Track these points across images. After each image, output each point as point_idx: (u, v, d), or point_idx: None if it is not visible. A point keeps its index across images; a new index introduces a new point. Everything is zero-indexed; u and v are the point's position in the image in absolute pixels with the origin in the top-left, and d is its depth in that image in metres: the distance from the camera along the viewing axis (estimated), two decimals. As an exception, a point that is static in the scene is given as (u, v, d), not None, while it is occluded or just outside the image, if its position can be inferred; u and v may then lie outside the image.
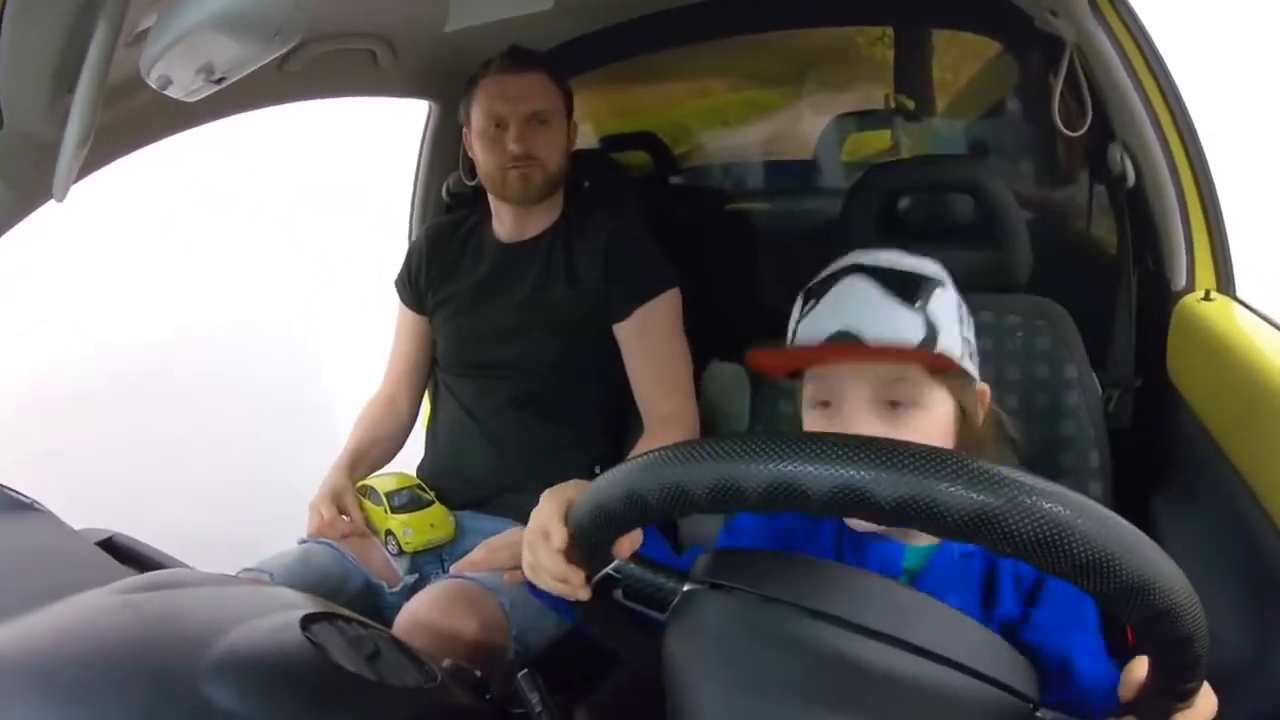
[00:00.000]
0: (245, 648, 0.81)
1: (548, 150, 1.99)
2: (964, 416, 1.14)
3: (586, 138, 2.80)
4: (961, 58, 2.45)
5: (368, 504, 1.94)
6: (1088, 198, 2.07)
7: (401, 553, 1.87)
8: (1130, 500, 1.54)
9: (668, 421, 1.92)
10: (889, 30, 2.50)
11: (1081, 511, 0.62)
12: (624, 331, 1.99)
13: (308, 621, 0.88)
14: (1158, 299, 1.79)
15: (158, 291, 4.78)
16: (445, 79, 2.33)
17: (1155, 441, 1.72)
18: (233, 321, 4.59)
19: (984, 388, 1.19)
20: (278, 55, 0.87)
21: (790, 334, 1.18)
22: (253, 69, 0.89)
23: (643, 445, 1.86)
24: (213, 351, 4.38)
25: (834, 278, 1.15)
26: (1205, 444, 1.54)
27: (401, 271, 2.20)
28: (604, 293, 1.98)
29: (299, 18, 0.83)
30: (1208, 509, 1.52)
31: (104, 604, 0.90)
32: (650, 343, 1.98)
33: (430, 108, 2.51)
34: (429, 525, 1.90)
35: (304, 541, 1.89)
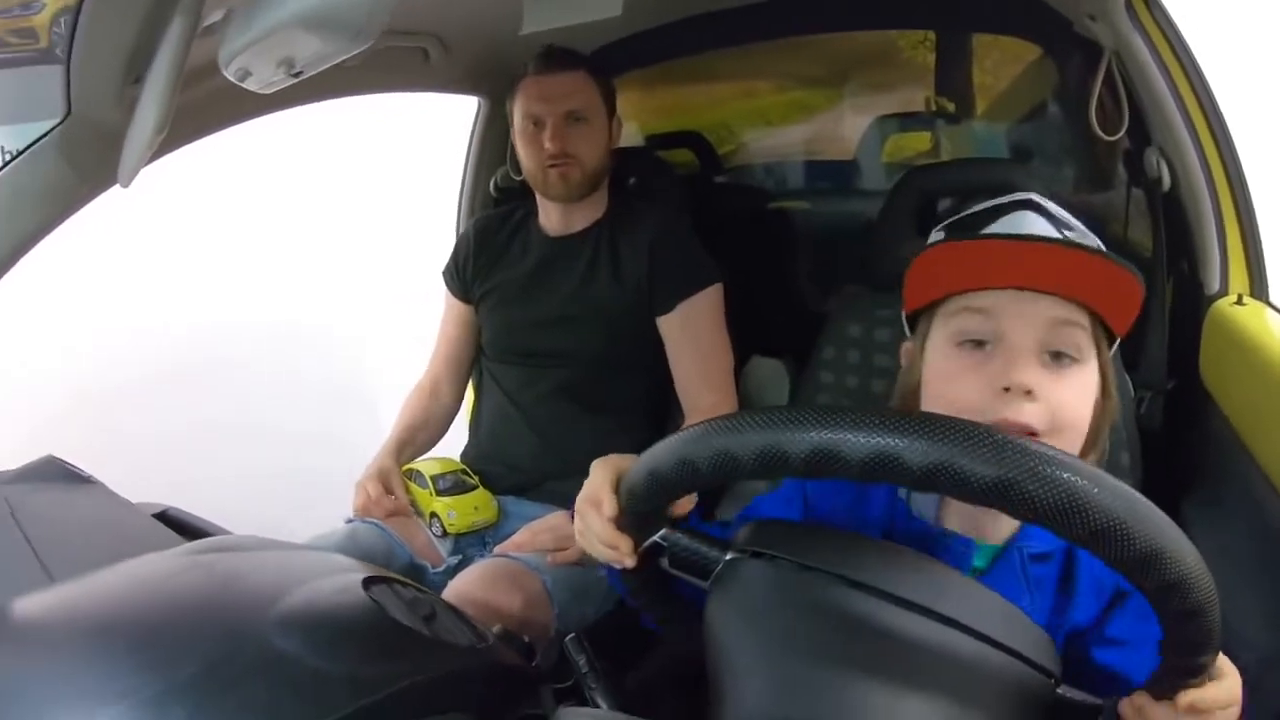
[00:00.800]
0: (310, 604, 0.87)
1: (586, 148, 2.03)
2: (1104, 395, 1.05)
3: (632, 136, 2.85)
4: (1002, 61, 2.46)
5: (413, 487, 2.00)
6: (1125, 202, 2.08)
7: (445, 535, 1.92)
8: (1160, 500, 1.54)
9: (708, 413, 1.85)
10: (930, 34, 2.53)
11: (1097, 482, 0.66)
12: (667, 325, 2.03)
13: (367, 583, 0.94)
14: (1191, 303, 1.80)
15: (208, 282, 4.84)
16: (494, 76, 2.38)
17: (1186, 443, 1.73)
18: (280, 312, 4.64)
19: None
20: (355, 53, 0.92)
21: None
22: (330, 65, 0.94)
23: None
24: (260, 342, 4.43)
25: (1000, 209, 1.06)
26: (1236, 447, 1.56)
27: (449, 262, 2.25)
28: (648, 287, 2.02)
29: (380, 17, 0.88)
30: (1237, 511, 1.53)
31: (173, 563, 0.95)
32: (692, 336, 2.01)
33: (479, 104, 2.56)
34: (473, 508, 1.96)
35: (350, 521, 1.95)
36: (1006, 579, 1.05)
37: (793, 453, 0.71)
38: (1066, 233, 1.02)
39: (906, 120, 2.73)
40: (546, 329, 2.09)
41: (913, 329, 1.12)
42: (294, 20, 0.85)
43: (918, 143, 2.70)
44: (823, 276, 2.56)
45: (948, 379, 1.02)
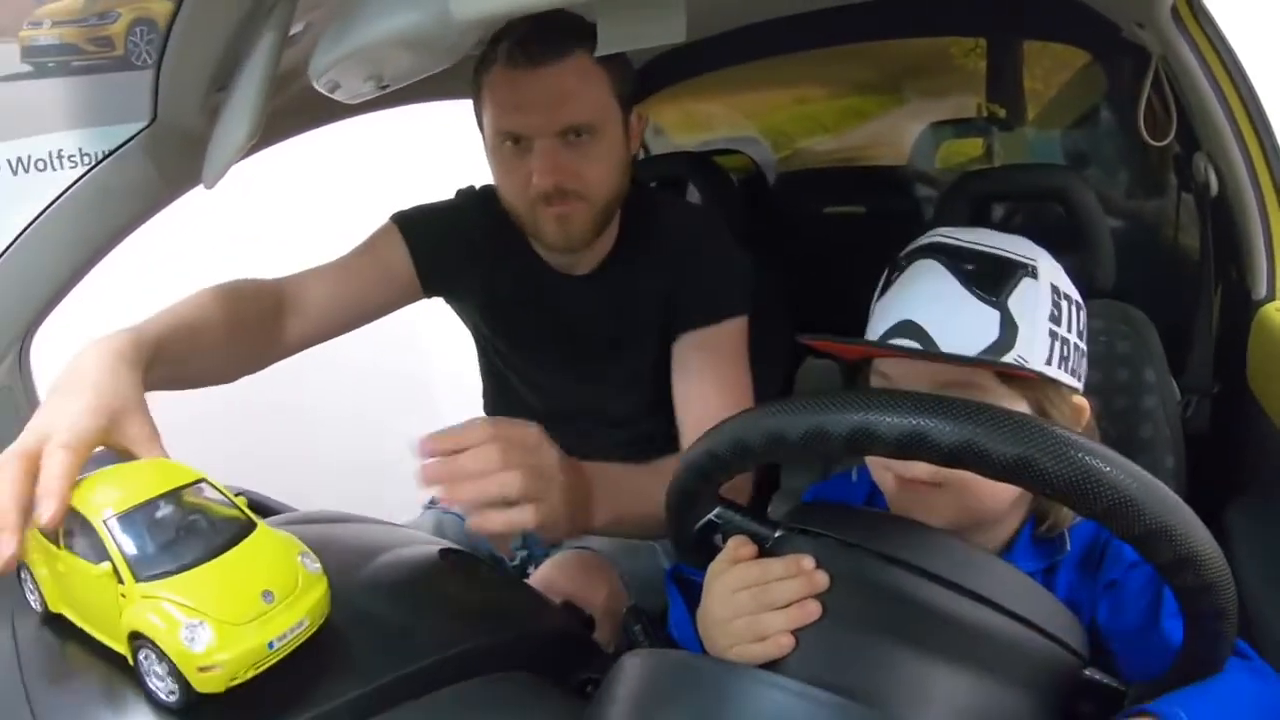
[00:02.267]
0: (393, 569, 0.94)
1: (595, 173, 1.43)
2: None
3: (689, 144, 2.90)
4: (1052, 68, 2.48)
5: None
6: (1175, 207, 2.10)
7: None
8: (1205, 504, 1.55)
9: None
10: (981, 41, 2.56)
11: (1110, 461, 0.71)
12: (678, 349, 1.59)
13: (444, 554, 1.01)
14: (1239, 308, 1.81)
15: (265, 267, 4.91)
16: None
17: (1232, 448, 1.74)
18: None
19: (1083, 402, 1.10)
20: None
21: (871, 312, 1.13)
22: (417, 79, 1.01)
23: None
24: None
25: (913, 255, 1.08)
26: (1276, 442, 1.59)
27: (425, 233, 1.61)
28: (668, 314, 1.59)
29: (470, 35, 0.94)
30: None
31: None
32: (708, 361, 1.56)
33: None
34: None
35: (430, 506, 1.87)
36: None
37: (835, 432, 0.77)
38: (970, 281, 1.03)
39: (959, 126, 2.76)
40: (594, 402, 1.68)
41: None
42: (388, 39, 0.91)
43: (971, 148, 2.73)
44: (876, 280, 2.60)
45: None
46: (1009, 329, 1.00)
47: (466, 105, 1.55)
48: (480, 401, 1.96)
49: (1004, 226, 2.14)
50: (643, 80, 2.80)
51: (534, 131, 1.38)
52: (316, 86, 1.09)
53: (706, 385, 1.51)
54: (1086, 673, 0.91)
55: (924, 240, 1.10)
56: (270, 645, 0.77)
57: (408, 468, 1.97)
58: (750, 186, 2.80)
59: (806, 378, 2.23)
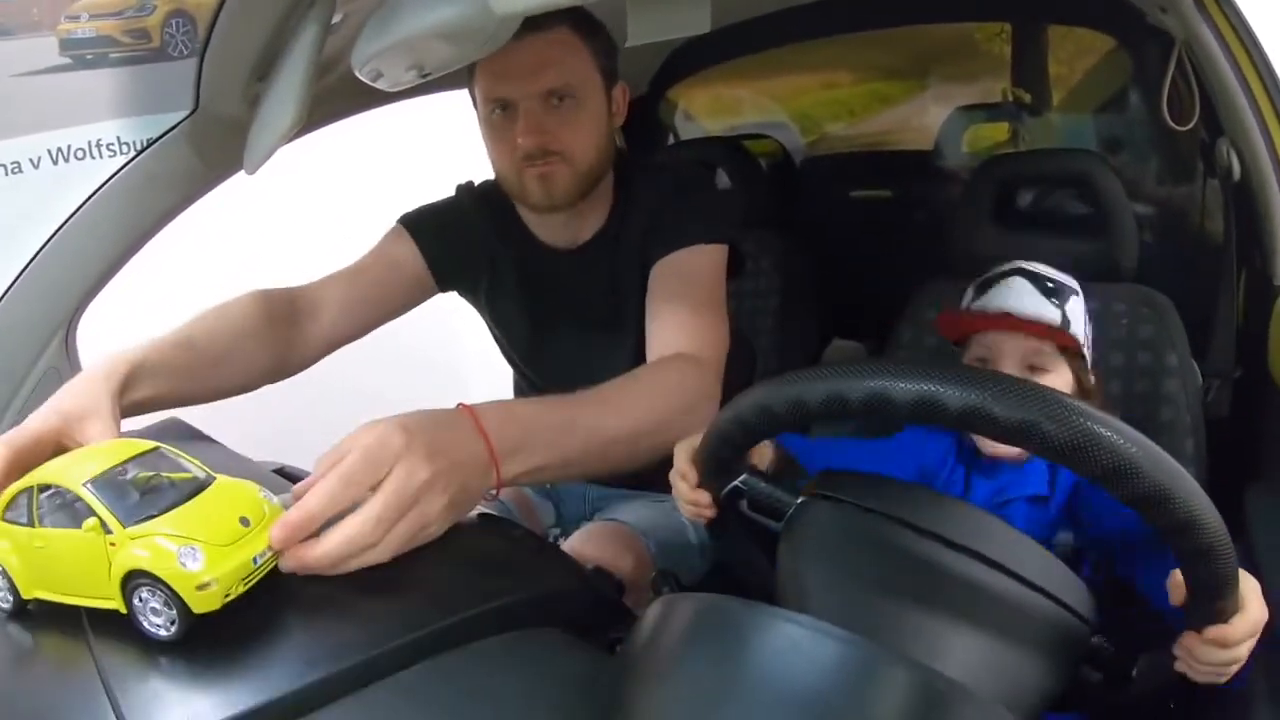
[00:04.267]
0: None
1: (576, 137, 1.51)
2: (1080, 389, 1.42)
3: (718, 128, 2.92)
4: (1076, 53, 2.49)
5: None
6: (1201, 192, 2.11)
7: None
8: (1225, 487, 1.53)
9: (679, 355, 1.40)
10: (1007, 26, 2.58)
11: (1109, 425, 0.73)
12: (653, 274, 1.55)
13: (481, 518, 1.06)
14: (1262, 292, 1.82)
15: (295, 252, 4.95)
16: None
17: (1253, 432, 1.75)
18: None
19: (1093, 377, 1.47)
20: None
21: (965, 308, 1.51)
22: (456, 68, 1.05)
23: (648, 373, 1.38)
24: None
25: (1002, 275, 1.48)
26: None
27: (436, 230, 1.69)
28: (643, 254, 1.58)
29: (508, 26, 0.98)
30: None
31: None
32: (678, 283, 1.52)
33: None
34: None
35: None
36: None
37: (852, 398, 0.80)
38: (1042, 291, 1.44)
39: (986, 111, 2.78)
40: (580, 371, 1.48)
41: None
42: (429, 31, 0.94)
43: (996, 133, 2.75)
44: (902, 264, 2.62)
45: None
46: (1065, 321, 1.43)
47: (458, 107, 1.65)
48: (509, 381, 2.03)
49: (1032, 211, 2.17)
50: (672, 66, 2.83)
51: (519, 95, 1.47)
52: (359, 75, 1.12)
53: (675, 305, 1.49)
54: (1094, 640, 0.94)
55: (1008, 266, 1.50)
56: (255, 560, 0.85)
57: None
58: (778, 171, 2.82)
59: (834, 358, 2.25)
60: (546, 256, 1.67)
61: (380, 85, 1.14)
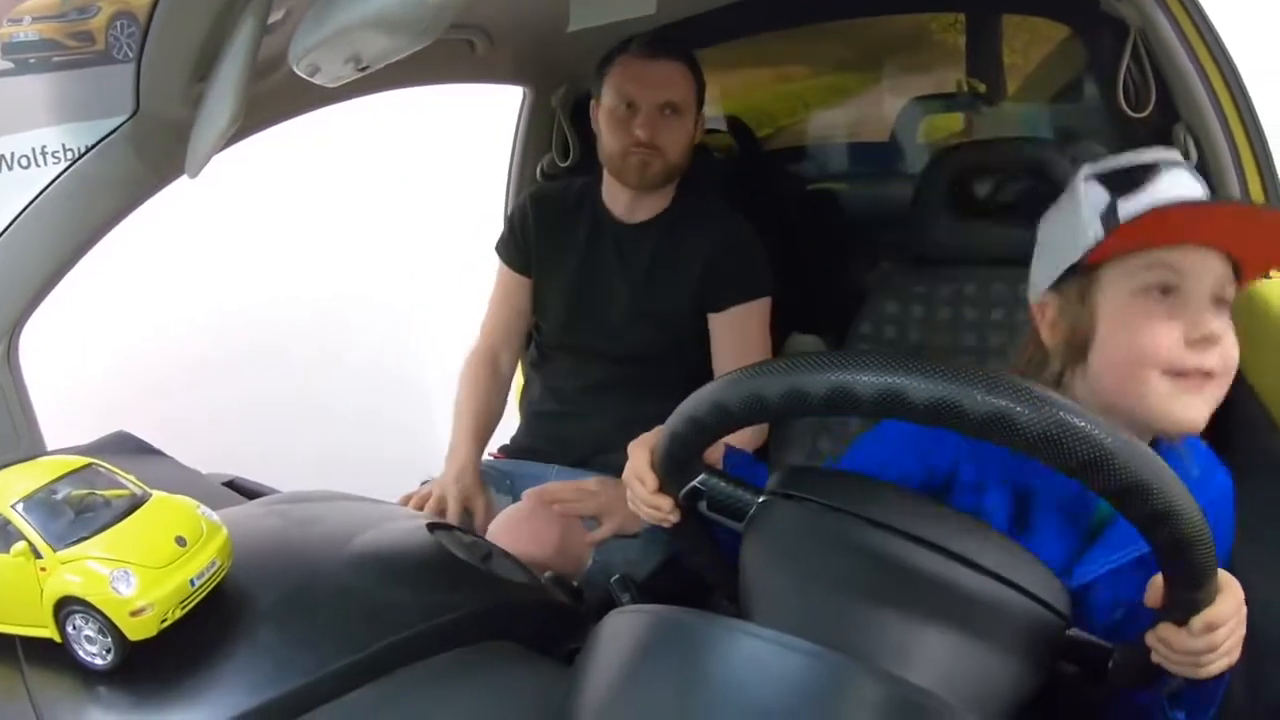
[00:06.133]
0: (379, 543, 0.95)
1: (673, 140, 1.96)
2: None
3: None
4: (1031, 42, 2.50)
5: None
6: (1157, 179, 2.11)
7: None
8: None
9: None
10: (961, 16, 2.57)
11: (1084, 417, 0.71)
12: (717, 322, 2.00)
13: (431, 528, 1.02)
14: None
15: (256, 266, 4.89)
16: (538, 67, 2.43)
17: (1217, 421, 1.75)
18: (327, 293, 4.68)
19: None
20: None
21: (1100, 218, 1.13)
22: (396, 59, 1.02)
23: None
24: (309, 324, 4.47)
25: (1152, 168, 1.12)
26: (1263, 420, 1.58)
27: (505, 234, 2.18)
28: (702, 290, 1.99)
29: (445, 15, 0.95)
30: (1266, 483, 1.53)
31: (251, 511, 1.04)
32: (739, 338, 1.98)
33: (524, 93, 2.62)
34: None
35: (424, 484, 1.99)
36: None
37: (813, 393, 0.77)
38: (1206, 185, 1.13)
39: (941, 101, 2.77)
40: (604, 325, 2.06)
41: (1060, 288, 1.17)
42: (365, 20, 0.91)
43: (951, 123, 2.74)
44: (860, 255, 2.62)
45: (1137, 328, 1.08)
46: None
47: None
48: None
49: (992, 201, 2.16)
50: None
51: (643, 99, 1.93)
52: (296, 70, 1.09)
53: (737, 355, 1.91)
54: (1070, 633, 0.92)
55: (1151, 156, 1.13)
56: (192, 583, 0.81)
57: (397, 457, 2.01)
58: (734, 166, 2.81)
59: (792, 351, 2.23)
60: (611, 222, 2.08)
61: (319, 80, 1.10)
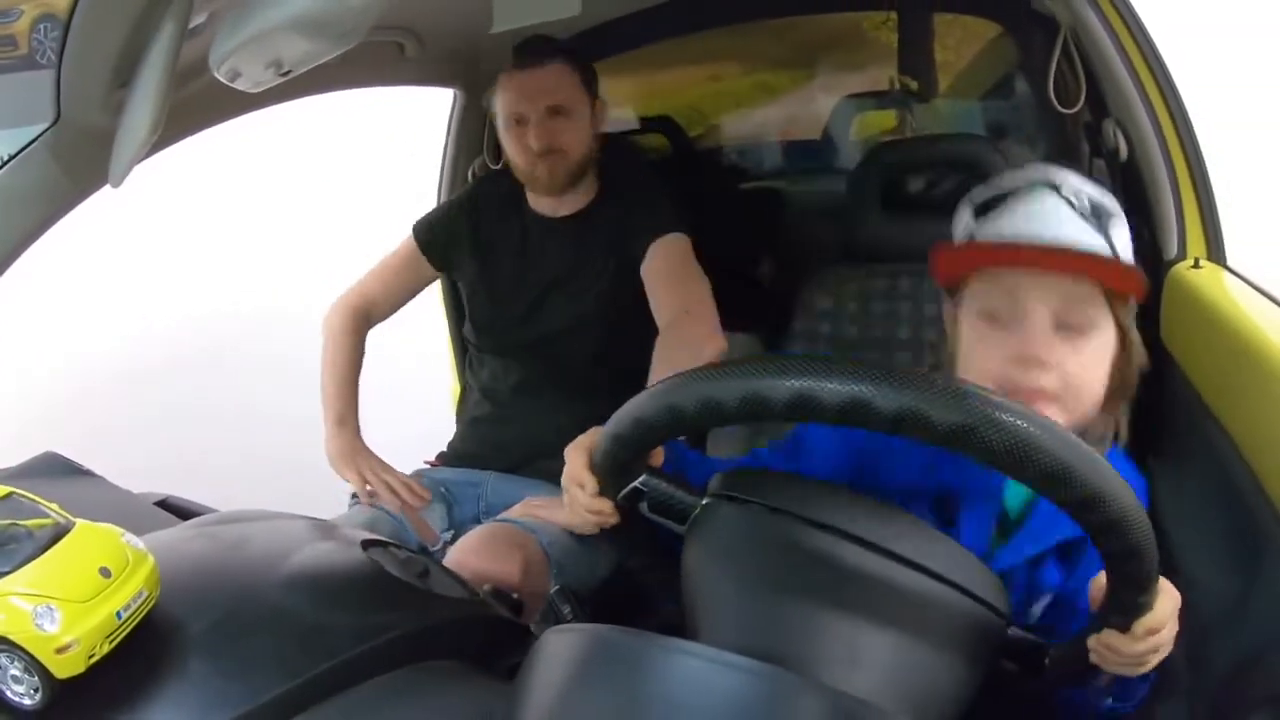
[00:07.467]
0: (313, 563, 0.92)
1: (570, 139, 2.01)
2: (1124, 349, 1.17)
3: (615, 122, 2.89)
4: (963, 39, 2.52)
5: None
6: (1088, 172, 2.13)
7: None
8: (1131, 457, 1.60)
9: (683, 331, 1.84)
10: (893, 14, 2.57)
11: (1046, 429, 0.71)
12: (646, 271, 2.00)
13: (365, 545, 1.00)
14: (1151, 267, 1.82)
15: (195, 273, 4.80)
16: (468, 68, 2.41)
17: (1150, 403, 1.78)
18: (267, 300, 4.62)
19: None
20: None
21: (962, 239, 1.20)
22: (317, 63, 0.99)
23: (665, 336, 1.84)
24: (257, 332, 4.42)
25: (1018, 191, 1.16)
26: (1196, 405, 1.60)
27: (429, 225, 2.22)
28: (623, 239, 2.02)
29: (367, 18, 0.92)
30: (1200, 466, 1.56)
31: (180, 535, 1.00)
32: (670, 267, 1.98)
33: (455, 95, 2.59)
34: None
35: (355, 501, 2.00)
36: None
37: (774, 398, 0.75)
38: (1081, 213, 1.13)
39: (874, 99, 2.79)
40: (535, 322, 2.09)
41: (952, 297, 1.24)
42: (284, 23, 0.89)
43: (884, 120, 2.76)
44: (795, 253, 2.62)
45: (973, 345, 1.16)
46: (1114, 253, 1.14)
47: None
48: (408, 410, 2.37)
49: (925, 197, 2.17)
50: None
51: (530, 110, 1.98)
52: (217, 75, 1.06)
53: (675, 287, 1.95)
54: (1010, 631, 0.92)
55: (1026, 177, 1.17)
56: (119, 615, 0.79)
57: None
58: (666, 167, 2.80)
59: (730, 352, 2.23)
60: (535, 221, 2.14)
61: (240, 85, 1.08)
